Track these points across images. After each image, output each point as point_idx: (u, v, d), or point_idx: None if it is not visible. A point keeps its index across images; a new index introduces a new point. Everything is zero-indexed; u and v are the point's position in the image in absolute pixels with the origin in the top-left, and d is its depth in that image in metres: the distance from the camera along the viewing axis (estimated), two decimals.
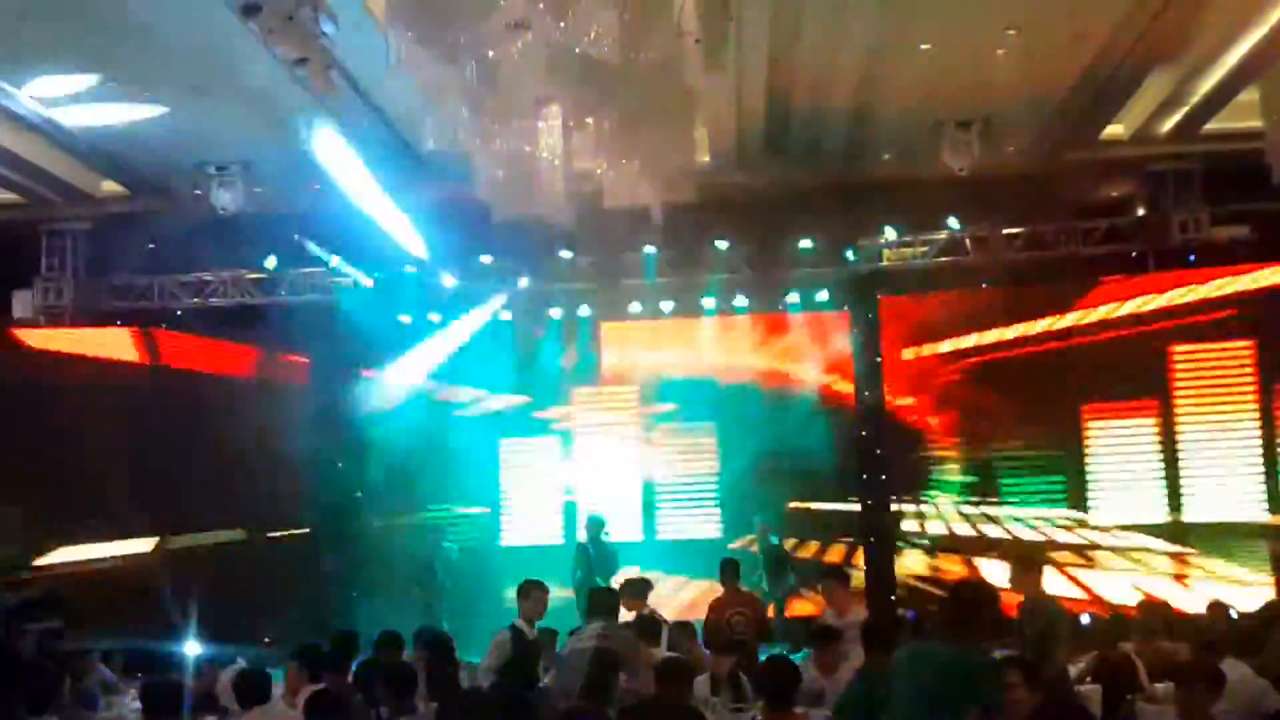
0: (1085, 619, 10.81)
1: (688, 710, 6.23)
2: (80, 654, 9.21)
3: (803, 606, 13.50)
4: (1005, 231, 14.72)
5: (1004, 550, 13.38)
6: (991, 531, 14.41)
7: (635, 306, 15.27)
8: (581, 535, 13.90)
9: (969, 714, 4.94)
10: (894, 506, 14.65)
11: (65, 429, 14.01)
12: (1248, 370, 13.86)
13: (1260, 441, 13.74)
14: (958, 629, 5.26)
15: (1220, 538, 13.59)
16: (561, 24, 7.30)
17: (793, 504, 14.77)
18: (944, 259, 14.88)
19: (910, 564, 14.54)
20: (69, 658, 8.93)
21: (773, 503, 14.52)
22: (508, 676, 7.37)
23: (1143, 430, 14.16)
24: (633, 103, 7.93)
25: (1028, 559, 8.87)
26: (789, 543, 14.49)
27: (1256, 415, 13.78)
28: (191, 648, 9.27)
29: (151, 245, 15.71)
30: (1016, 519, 14.35)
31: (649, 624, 8.95)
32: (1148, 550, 13.83)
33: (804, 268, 14.92)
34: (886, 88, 12.35)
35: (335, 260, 14.83)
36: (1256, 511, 13.63)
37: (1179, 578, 13.56)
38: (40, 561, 14.13)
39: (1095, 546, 14.01)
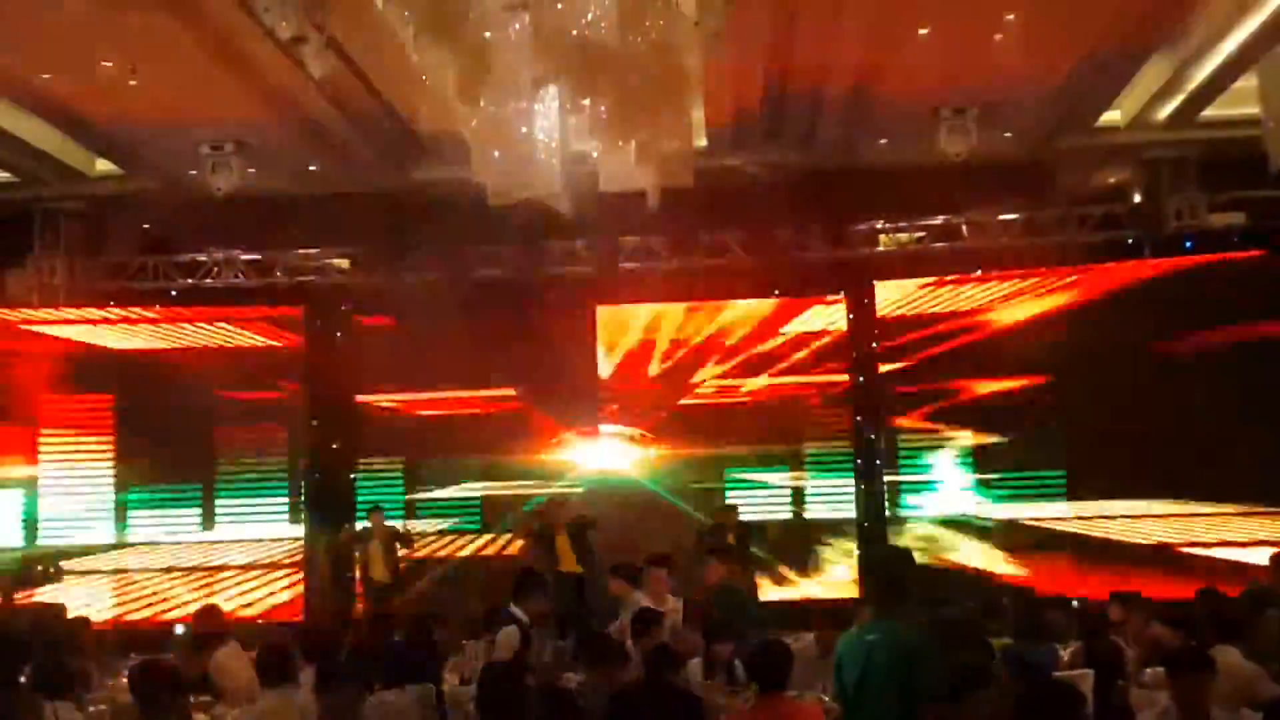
0: (1074, 604, 10.84)
1: (681, 694, 6.23)
2: (77, 632, 9.22)
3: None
4: (1001, 217, 14.73)
5: None
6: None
7: (630, 291, 15.23)
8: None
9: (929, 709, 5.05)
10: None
11: None
12: None
13: None
14: (887, 599, 5.45)
15: None
16: (559, 6, 7.28)
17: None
18: (940, 244, 14.89)
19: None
20: (66, 635, 8.92)
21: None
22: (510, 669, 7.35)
23: None
24: (629, 86, 7.91)
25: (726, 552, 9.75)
26: None
27: None
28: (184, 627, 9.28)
29: (146, 225, 15.71)
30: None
31: (649, 612, 8.92)
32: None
33: (800, 252, 14.90)
34: (883, 72, 12.34)
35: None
36: None
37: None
38: None
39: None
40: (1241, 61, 11.95)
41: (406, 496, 15.24)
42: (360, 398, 15.28)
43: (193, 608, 10.45)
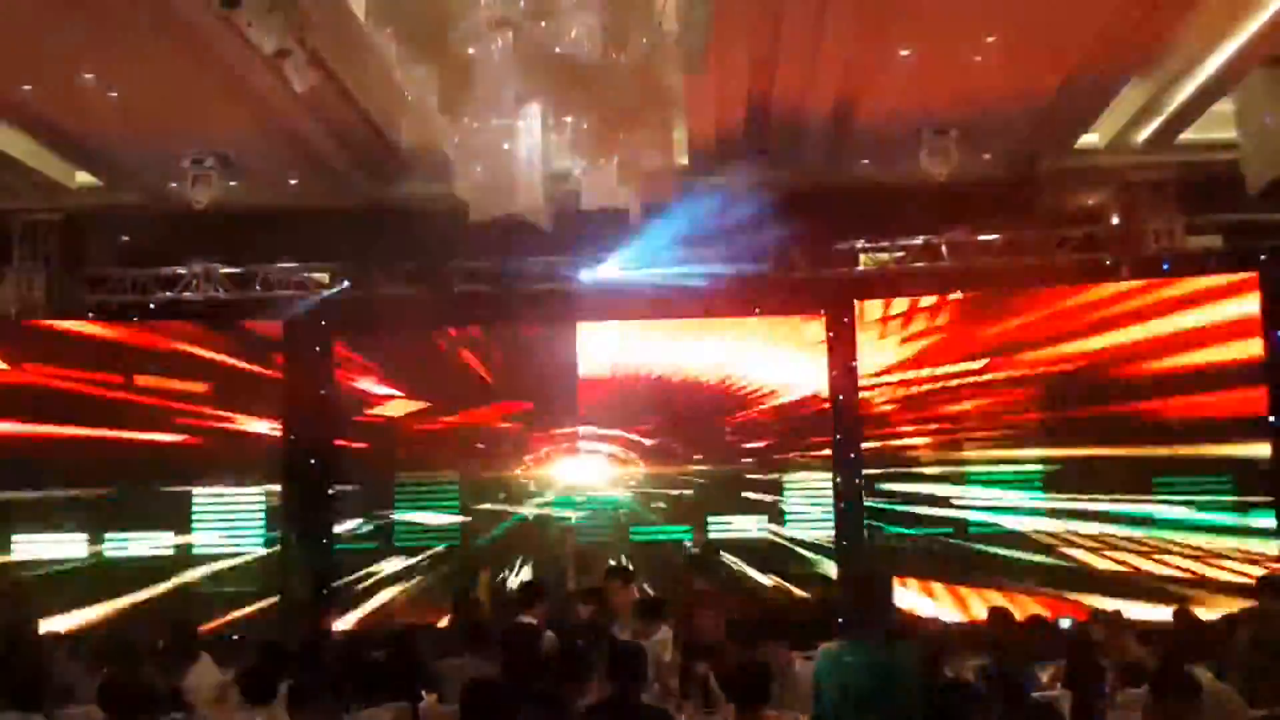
0: (1065, 623, 10.88)
1: (653, 710, 6.21)
2: (47, 645, 9.15)
3: None
4: (981, 238, 14.80)
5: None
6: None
7: (610, 307, 15.21)
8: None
9: None
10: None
11: None
12: None
13: None
14: (865, 620, 5.54)
15: None
16: (542, 23, 7.30)
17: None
18: (920, 264, 14.95)
19: None
20: (36, 648, 8.85)
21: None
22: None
23: None
24: (612, 103, 7.93)
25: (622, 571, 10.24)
26: None
27: None
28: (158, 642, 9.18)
29: (126, 238, 15.65)
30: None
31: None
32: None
33: (780, 271, 14.93)
34: (865, 93, 12.38)
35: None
36: None
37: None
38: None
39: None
40: (1219, 86, 12.04)
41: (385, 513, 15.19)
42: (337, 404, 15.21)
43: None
